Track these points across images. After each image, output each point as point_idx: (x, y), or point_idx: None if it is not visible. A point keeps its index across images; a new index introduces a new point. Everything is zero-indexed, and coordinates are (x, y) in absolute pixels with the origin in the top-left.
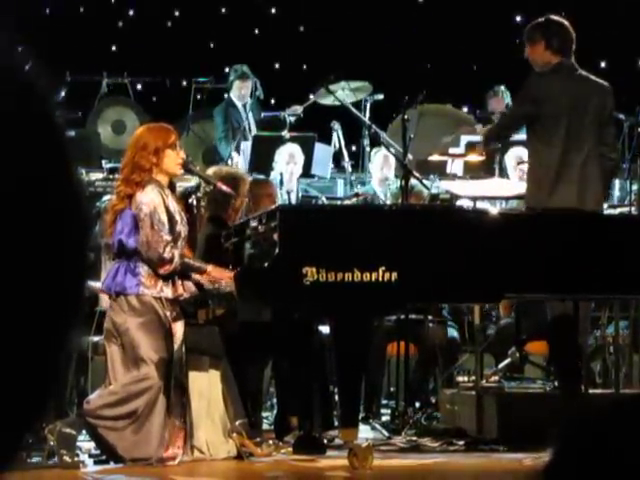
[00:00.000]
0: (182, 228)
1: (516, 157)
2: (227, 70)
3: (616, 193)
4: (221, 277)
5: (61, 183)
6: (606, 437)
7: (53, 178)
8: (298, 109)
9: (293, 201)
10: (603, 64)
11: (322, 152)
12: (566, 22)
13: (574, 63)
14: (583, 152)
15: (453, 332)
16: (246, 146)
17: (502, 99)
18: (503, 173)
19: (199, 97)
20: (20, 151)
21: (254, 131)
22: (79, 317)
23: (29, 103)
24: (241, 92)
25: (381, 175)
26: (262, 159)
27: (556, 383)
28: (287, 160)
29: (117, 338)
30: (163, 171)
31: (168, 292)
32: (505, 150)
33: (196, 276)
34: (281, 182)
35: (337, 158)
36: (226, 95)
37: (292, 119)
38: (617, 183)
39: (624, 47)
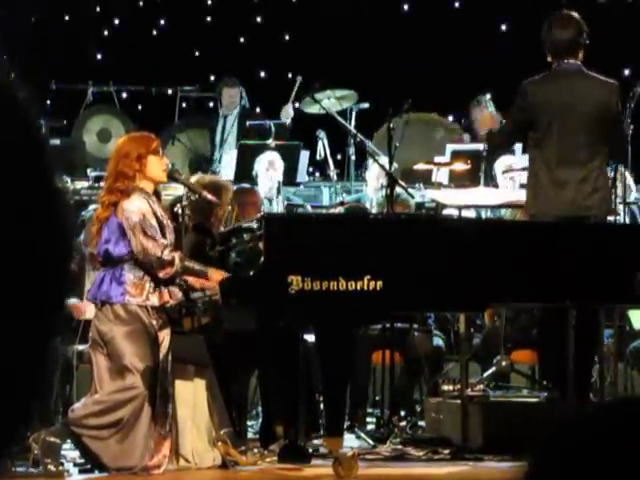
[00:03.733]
0: (169, 236)
1: (505, 165)
2: (212, 79)
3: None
4: (221, 279)
5: (42, 193)
6: (585, 444)
7: (34, 188)
8: (289, 110)
9: (274, 209)
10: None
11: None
12: (565, 18)
13: (572, 64)
14: (580, 157)
15: (438, 341)
16: (225, 157)
17: (485, 108)
18: (492, 181)
19: (184, 106)
20: (1, 161)
21: (231, 142)
22: (61, 326)
23: (10, 114)
24: (230, 100)
25: (377, 184)
26: (247, 167)
27: (543, 392)
28: (266, 167)
29: (103, 347)
30: (147, 178)
31: (154, 300)
32: (494, 158)
33: (191, 280)
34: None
35: (322, 167)
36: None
37: (288, 123)
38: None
39: (609, 56)
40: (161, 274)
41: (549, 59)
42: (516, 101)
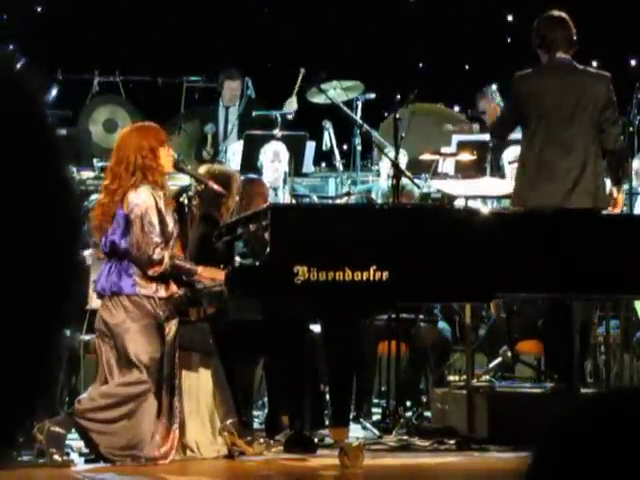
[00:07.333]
0: (174, 228)
1: (512, 156)
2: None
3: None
4: (213, 277)
5: (51, 182)
6: (587, 435)
7: (43, 177)
8: (293, 102)
9: (280, 199)
10: (594, 63)
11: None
12: (557, 17)
13: (565, 59)
14: (572, 150)
15: (444, 331)
16: (230, 147)
17: (492, 99)
18: (499, 172)
19: (190, 96)
20: (10, 150)
21: (234, 134)
22: (69, 316)
23: (19, 103)
24: (231, 93)
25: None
26: (253, 158)
27: (548, 383)
28: (272, 158)
29: (110, 338)
30: (160, 170)
31: (162, 291)
32: (502, 149)
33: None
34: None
35: (328, 157)
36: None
37: (290, 116)
38: (607, 182)
39: (615, 46)
40: (150, 271)
41: (541, 53)
42: (509, 93)
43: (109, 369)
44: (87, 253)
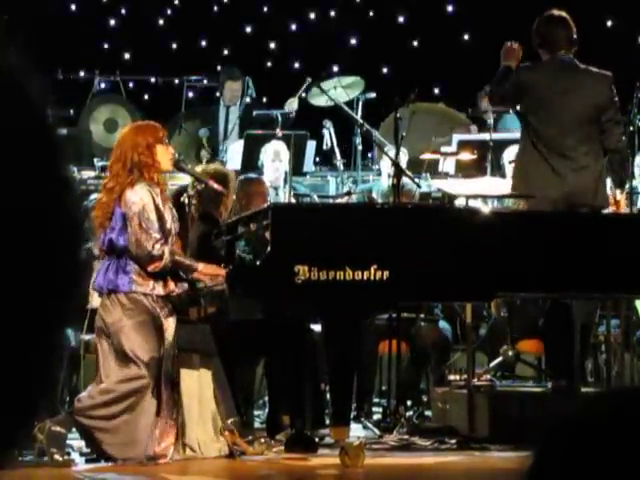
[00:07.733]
0: (173, 225)
1: (514, 155)
2: (219, 68)
3: (608, 192)
4: (213, 274)
5: (51, 181)
6: (587, 434)
7: (43, 177)
8: (294, 103)
9: (280, 198)
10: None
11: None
12: (557, 16)
13: (567, 57)
14: (572, 149)
15: (445, 330)
16: (228, 147)
17: None
18: (501, 171)
19: (191, 95)
20: (10, 150)
21: (235, 133)
22: (71, 316)
23: (20, 103)
24: (233, 93)
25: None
26: (253, 158)
27: (549, 382)
28: (272, 158)
29: (108, 336)
30: (156, 167)
31: (159, 289)
32: (502, 148)
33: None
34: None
35: (329, 156)
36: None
37: (292, 115)
38: (608, 182)
39: (615, 46)
40: (149, 268)
41: (541, 52)
42: (511, 79)
43: (106, 367)
44: (91, 244)
